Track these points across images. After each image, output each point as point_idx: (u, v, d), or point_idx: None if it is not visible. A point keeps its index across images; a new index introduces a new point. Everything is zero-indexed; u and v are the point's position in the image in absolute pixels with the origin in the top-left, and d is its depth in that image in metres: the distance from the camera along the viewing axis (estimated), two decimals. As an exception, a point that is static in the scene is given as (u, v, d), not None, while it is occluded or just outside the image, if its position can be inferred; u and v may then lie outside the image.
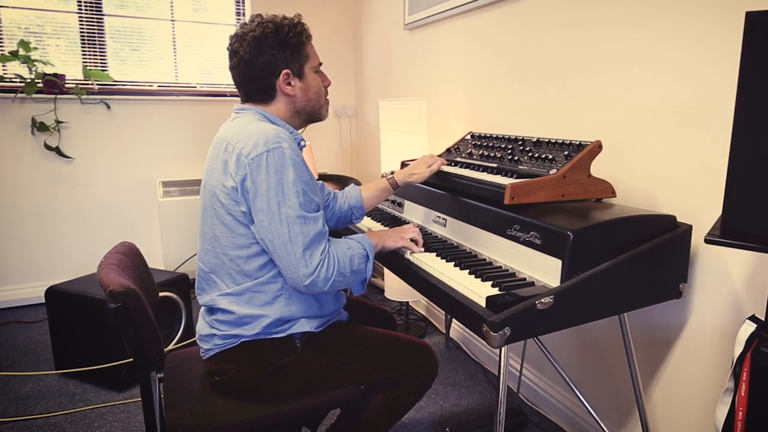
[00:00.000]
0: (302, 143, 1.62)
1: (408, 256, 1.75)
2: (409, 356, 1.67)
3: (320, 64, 1.67)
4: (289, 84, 1.58)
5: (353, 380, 1.60)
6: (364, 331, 1.68)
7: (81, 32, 3.75)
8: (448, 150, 2.29)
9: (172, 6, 3.99)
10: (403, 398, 1.69)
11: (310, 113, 1.66)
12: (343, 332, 1.65)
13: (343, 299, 1.74)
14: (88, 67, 3.78)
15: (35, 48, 3.53)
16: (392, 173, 1.96)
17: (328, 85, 1.70)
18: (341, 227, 2.06)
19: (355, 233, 1.88)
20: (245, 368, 1.51)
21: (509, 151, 1.95)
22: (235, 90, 1.61)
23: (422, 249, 1.76)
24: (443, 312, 3.28)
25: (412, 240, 1.76)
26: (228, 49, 1.59)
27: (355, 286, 1.60)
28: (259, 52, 1.53)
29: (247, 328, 1.50)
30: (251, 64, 1.54)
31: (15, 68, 3.54)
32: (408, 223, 2.11)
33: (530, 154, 1.85)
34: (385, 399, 1.67)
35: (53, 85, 3.56)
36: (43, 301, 3.63)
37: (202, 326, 1.58)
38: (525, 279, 1.48)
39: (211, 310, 1.56)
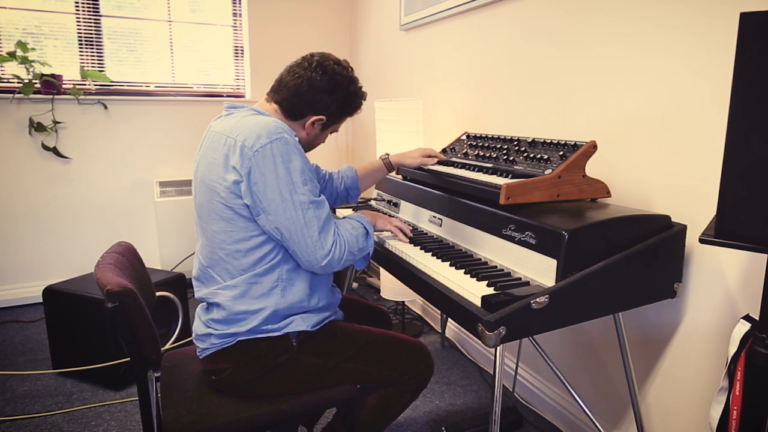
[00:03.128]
0: (296, 137, 1.65)
1: (387, 245, 1.86)
2: (404, 356, 1.68)
3: (336, 131, 1.77)
4: (312, 125, 1.65)
5: (349, 379, 1.61)
6: (360, 331, 1.68)
7: (78, 33, 3.75)
8: (444, 150, 2.29)
9: (168, 7, 3.99)
10: (399, 397, 1.70)
11: None
12: (339, 331, 1.66)
13: (338, 295, 1.75)
14: (86, 68, 3.78)
15: (33, 49, 3.53)
16: (387, 155, 2.05)
17: (321, 143, 1.78)
18: (337, 206, 2.12)
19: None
20: (241, 367, 1.51)
21: (505, 152, 1.96)
22: (231, 90, 1.66)
23: (407, 240, 1.86)
24: (439, 311, 3.29)
25: (397, 229, 1.87)
26: (308, 59, 1.64)
27: (360, 260, 1.67)
28: (326, 91, 1.61)
29: (242, 324, 1.51)
30: (312, 88, 1.60)
31: (12, 69, 3.54)
32: (404, 222, 2.13)
33: (525, 155, 1.86)
34: (381, 398, 1.68)
35: (50, 85, 3.56)
36: (41, 300, 3.64)
37: (198, 326, 1.59)
38: (520, 279, 1.49)
39: (208, 308, 1.57)
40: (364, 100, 1.73)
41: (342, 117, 1.70)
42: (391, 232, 1.88)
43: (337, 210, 2.42)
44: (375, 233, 1.90)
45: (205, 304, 1.60)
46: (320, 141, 1.75)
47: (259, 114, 1.58)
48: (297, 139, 1.61)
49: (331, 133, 1.76)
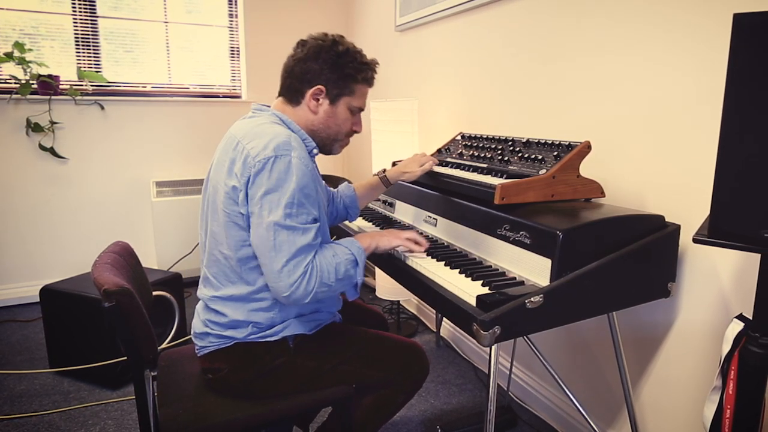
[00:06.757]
0: (314, 151, 1.61)
1: (404, 258, 1.72)
2: (399, 357, 1.68)
3: (361, 109, 1.65)
4: (317, 99, 1.57)
5: (345, 381, 1.61)
6: (356, 333, 1.68)
7: (75, 34, 3.75)
8: (439, 150, 2.30)
9: (165, 8, 4.00)
10: (394, 398, 1.70)
11: (323, 140, 1.64)
12: (335, 334, 1.66)
13: (340, 303, 1.74)
14: (82, 69, 3.78)
15: (30, 49, 3.53)
16: (384, 171, 1.99)
17: (356, 131, 1.69)
18: (335, 224, 2.08)
19: (347, 233, 1.89)
20: (238, 368, 1.52)
21: (499, 152, 1.96)
22: (227, 91, 1.64)
23: (423, 250, 1.70)
24: (434, 311, 3.29)
25: (409, 241, 1.68)
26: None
27: (348, 290, 1.58)
28: (311, 59, 1.55)
29: (240, 330, 1.51)
30: (299, 62, 1.56)
31: (10, 69, 3.54)
32: (400, 222, 2.13)
33: (520, 155, 1.87)
34: (376, 398, 1.68)
35: (48, 86, 3.56)
36: (38, 300, 3.62)
37: (197, 324, 1.59)
38: (515, 278, 1.50)
39: (207, 308, 1.57)
40: (368, 61, 1.61)
41: (347, 83, 1.57)
42: (403, 248, 1.69)
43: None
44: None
45: (204, 303, 1.60)
46: (344, 123, 1.63)
47: (279, 123, 1.55)
48: (316, 152, 1.59)
49: (356, 111, 1.64)
